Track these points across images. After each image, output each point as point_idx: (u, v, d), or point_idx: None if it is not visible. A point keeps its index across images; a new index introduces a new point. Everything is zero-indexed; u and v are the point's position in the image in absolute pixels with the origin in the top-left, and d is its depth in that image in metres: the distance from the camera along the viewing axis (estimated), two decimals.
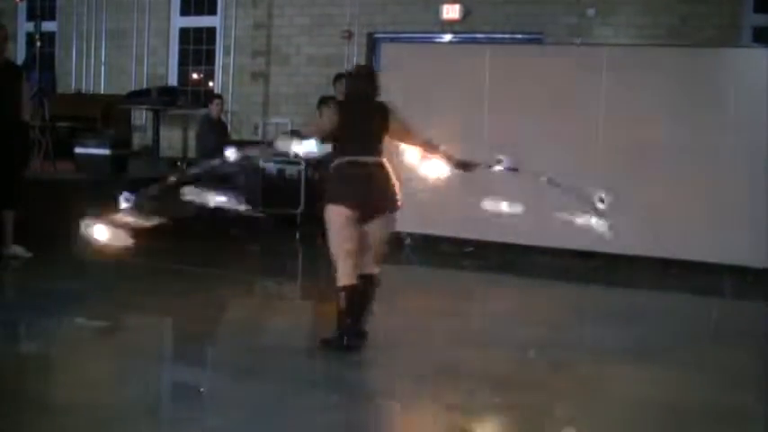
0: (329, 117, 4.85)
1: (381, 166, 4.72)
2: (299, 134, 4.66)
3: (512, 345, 5.06)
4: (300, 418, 3.75)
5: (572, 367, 4.69)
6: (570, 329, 5.68)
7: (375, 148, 4.73)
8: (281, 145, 4.64)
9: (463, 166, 4.82)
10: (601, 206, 4.45)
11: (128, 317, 5.61)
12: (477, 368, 4.64)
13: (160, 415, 3.88)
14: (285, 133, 5.24)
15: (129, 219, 4.05)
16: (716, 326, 6.17)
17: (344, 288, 4.63)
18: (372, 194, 4.65)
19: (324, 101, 9.88)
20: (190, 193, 4.35)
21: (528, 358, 4.87)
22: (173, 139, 11.76)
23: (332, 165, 4.77)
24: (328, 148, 4.81)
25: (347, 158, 4.68)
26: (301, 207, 9.68)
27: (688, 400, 4.22)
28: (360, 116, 4.77)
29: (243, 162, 6.64)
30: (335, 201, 4.64)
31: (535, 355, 4.89)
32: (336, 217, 4.63)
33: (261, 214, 9.35)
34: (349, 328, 4.66)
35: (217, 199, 4.36)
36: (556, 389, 4.29)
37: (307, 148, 4.55)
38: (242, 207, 4.66)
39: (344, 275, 4.63)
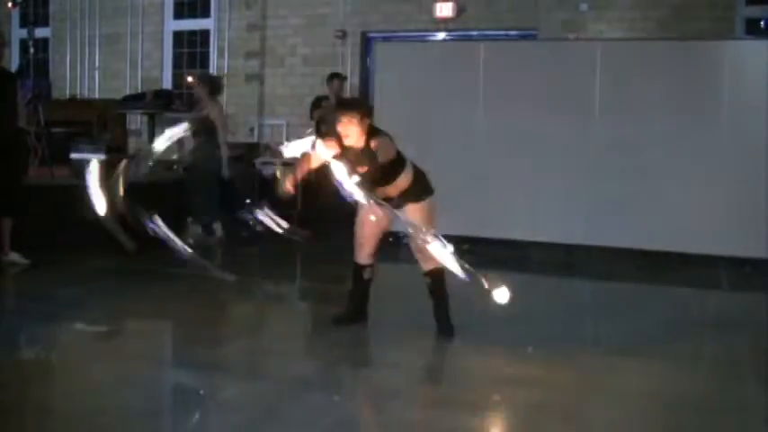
0: None
1: None
2: None
3: (510, 340, 5.06)
4: (302, 419, 3.75)
5: (571, 361, 4.69)
6: (568, 323, 5.68)
7: None
8: None
9: None
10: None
11: (127, 321, 5.62)
12: (475, 364, 4.65)
13: (161, 419, 3.88)
14: None
15: None
16: (714, 317, 6.18)
17: None
18: None
19: (318, 101, 9.89)
20: None
21: (527, 353, 4.87)
22: None
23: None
24: None
25: None
26: (298, 208, 9.66)
27: (688, 392, 4.22)
28: None
29: None
30: None
31: (534, 350, 4.89)
32: None
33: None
34: None
35: None
36: (555, 383, 4.29)
37: None
38: None
39: None
